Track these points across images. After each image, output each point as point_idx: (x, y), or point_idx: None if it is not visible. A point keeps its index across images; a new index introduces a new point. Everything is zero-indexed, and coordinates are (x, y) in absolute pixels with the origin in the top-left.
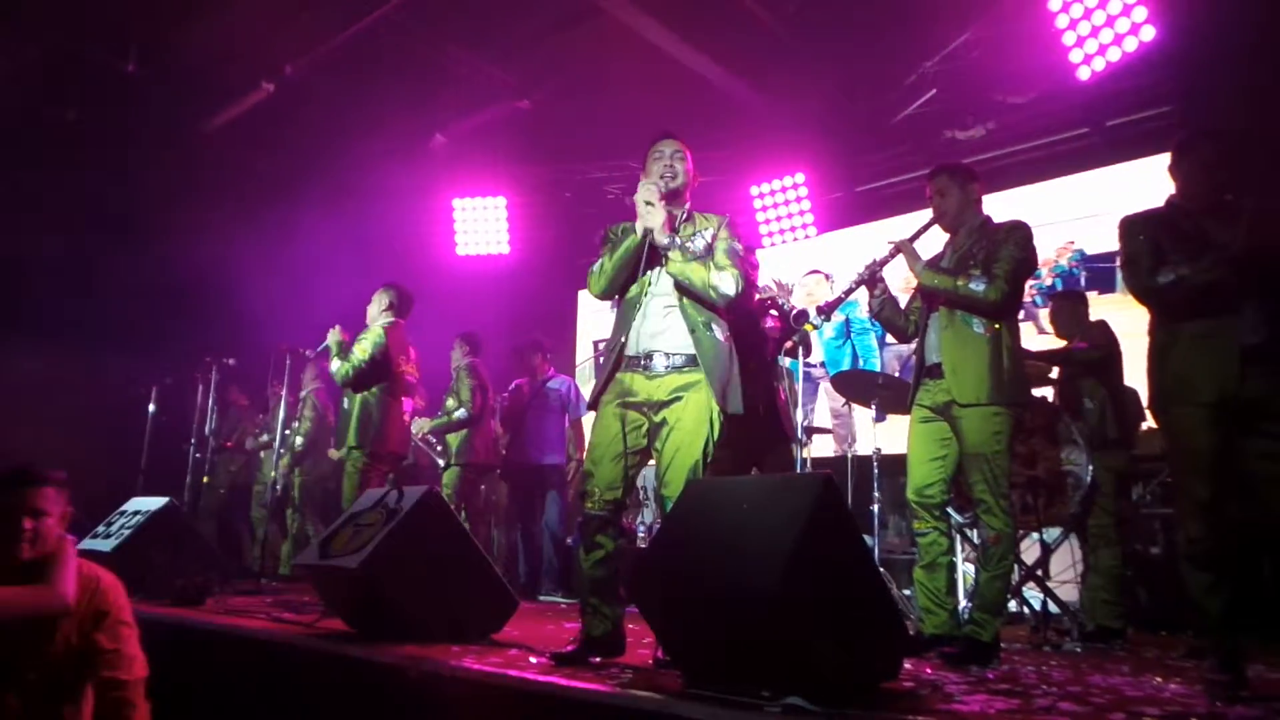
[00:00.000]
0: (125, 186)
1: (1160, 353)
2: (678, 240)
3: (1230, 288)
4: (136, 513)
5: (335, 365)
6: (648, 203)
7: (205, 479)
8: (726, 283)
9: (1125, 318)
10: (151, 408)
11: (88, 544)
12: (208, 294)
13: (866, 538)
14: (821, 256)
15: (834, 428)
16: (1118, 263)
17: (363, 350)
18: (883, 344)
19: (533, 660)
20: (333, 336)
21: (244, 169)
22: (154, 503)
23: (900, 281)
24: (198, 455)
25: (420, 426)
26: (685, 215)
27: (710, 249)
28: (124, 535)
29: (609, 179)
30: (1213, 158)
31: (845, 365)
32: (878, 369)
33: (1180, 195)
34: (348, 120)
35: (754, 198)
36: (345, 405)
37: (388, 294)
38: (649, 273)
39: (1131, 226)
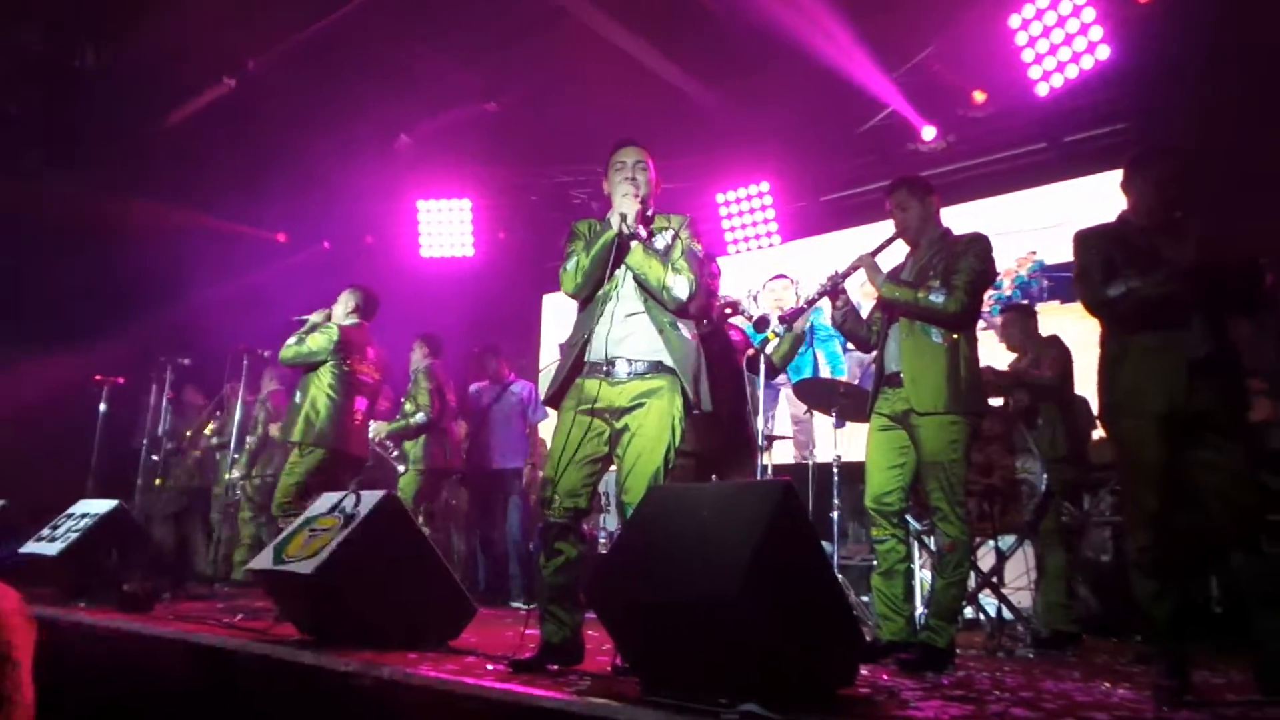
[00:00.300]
0: (77, 183)
1: (1110, 365)
2: (643, 233)
3: (1180, 302)
4: (84, 515)
5: (291, 340)
6: (625, 195)
7: (158, 481)
8: (681, 286)
9: (1085, 328)
10: (102, 407)
11: (32, 547)
12: (163, 292)
13: (826, 545)
14: (785, 265)
15: (794, 434)
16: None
17: (315, 342)
18: (844, 350)
19: (490, 667)
20: (316, 317)
21: (203, 166)
22: (103, 505)
23: (864, 287)
24: (152, 457)
25: (377, 430)
26: (648, 216)
27: (669, 250)
28: (70, 539)
29: (575, 184)
30: (1165, 174)
31: (807, 372)
32: (845, 375)
33: (1132, 211)
34: (311, 118)
35: (719, 205)
36: (296, 399)
37: (354, 296)
38: (616, 274)
39: (1085, 240)
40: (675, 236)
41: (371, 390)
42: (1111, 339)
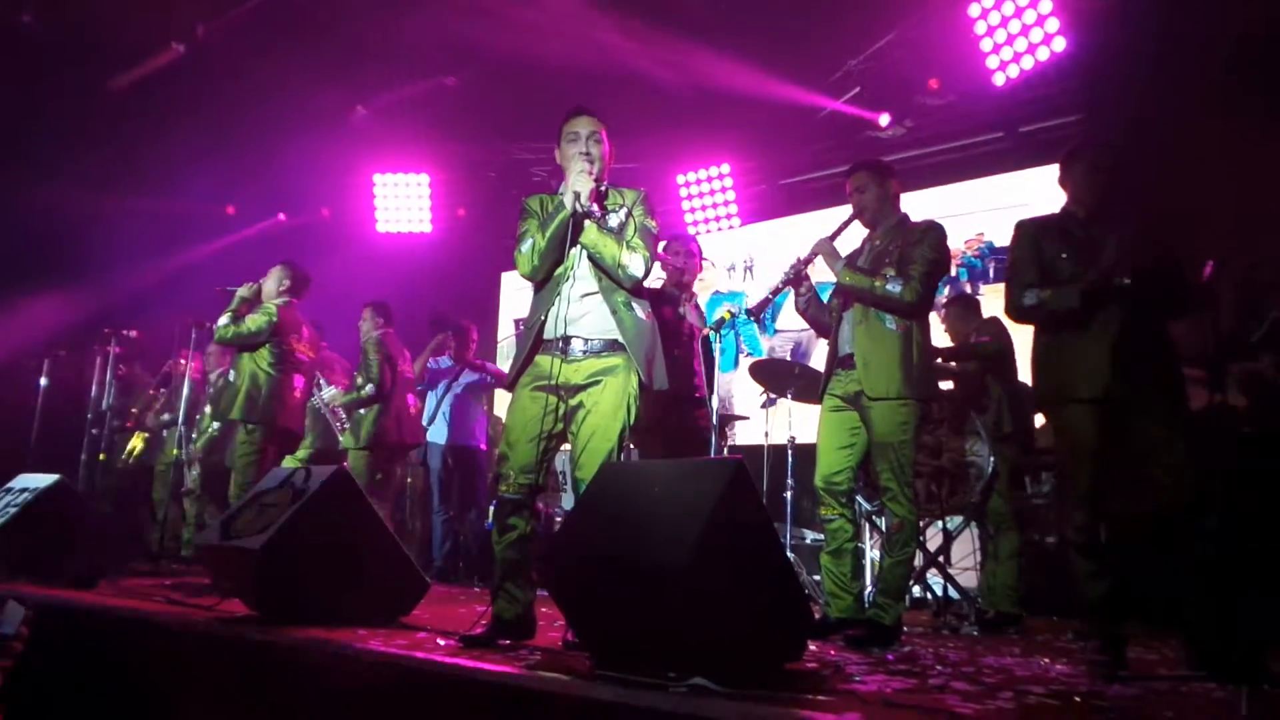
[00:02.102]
0: (15, 144)
1: (1044, 353)
2: (597, 211)
3: (1082, 314)
4: (24, 490)
5: (224, 320)
6: (579, 172)
7: (101, 457)
8: (636, 264)
9: None
10: (43, 381)
11: None
12: (106, 262)
13: (778, 524)
14: (745, 247)
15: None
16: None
17: (255, 322)
18: (763, 329)
19: (441, 643)
20: (244, 290)
21: (150, 134)
22: (43, 480)
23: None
24: (94, 431)
25: (332, 396)
26: (603, 191)
27: (624, 227)
28: (9, 514)
29: (535, 160)
30: (1101, 162)
31: (730, 354)
32: (762, 356)
33: (1071, 202)
34: (264, 86)
35: (679, 186)
36: (232, 378)
37: (286, 273)
38: (571, 253)
39: (1022, 233)
40: (629, 213)
41: (308, 369)
42: (1043, 329)
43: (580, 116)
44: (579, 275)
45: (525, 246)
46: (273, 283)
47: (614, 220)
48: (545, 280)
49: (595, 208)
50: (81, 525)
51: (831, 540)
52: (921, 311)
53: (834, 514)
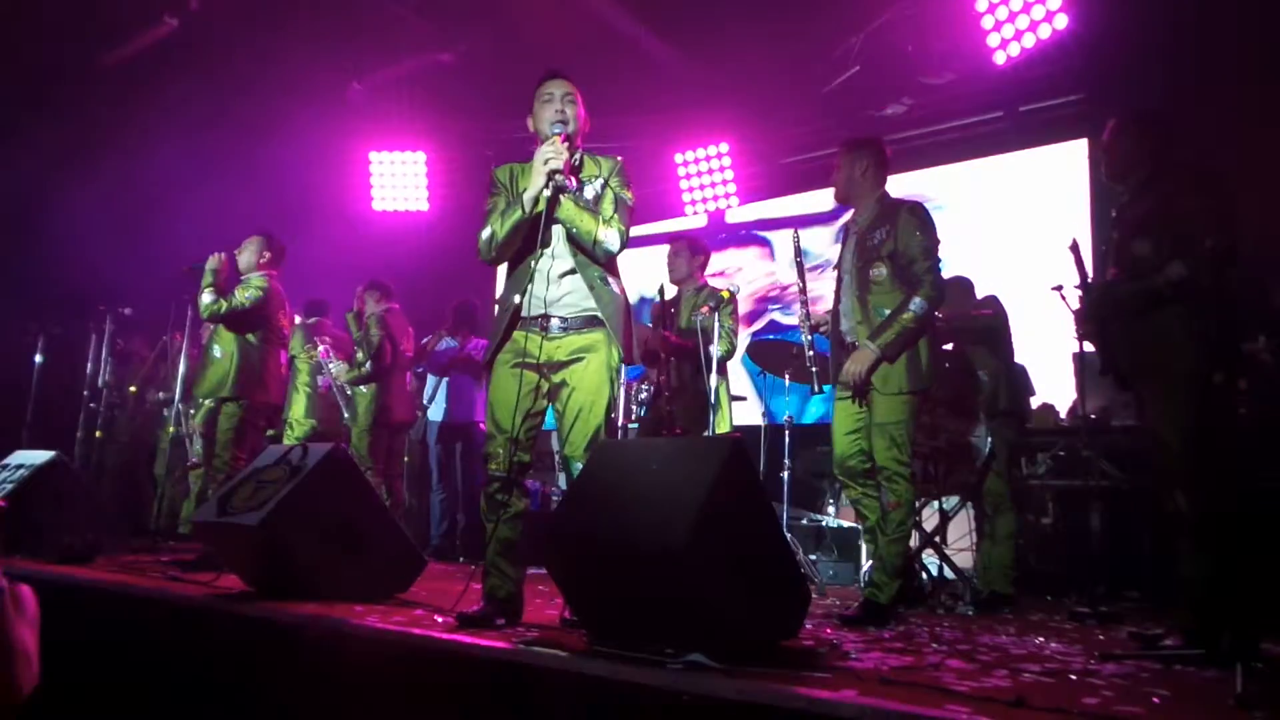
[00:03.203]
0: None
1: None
2: (572, 184)
3: None
4: (20, 466)
5: (208, 298)
6: (552, 151)
7: (98, 433)
8: (612, 239)
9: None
10: (38, 357)
11: None
12: (104, 238)
13: (776, 505)
14: (742, 225)
15: None
16: None
17: (244, 295)
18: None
19: (438, 620)
20: (213, 262)
21: (143, 108)
22: (39, 456)
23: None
24: (91, 406)
25: (339, 371)
26: (578, 162)
27: (600, 199)
28: (6, 490)
29: (532, 139)
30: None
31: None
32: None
33: (1111, 172)
34: (258, 61)
35: (678, 165)
36: (216, 353)
37: (263, 243)
38: (551, 231)
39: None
40: (605, 184)
41: (287, 342)
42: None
43: (554, 79)
44: (557, 253)
45: (484, 235)
46: (251, 254)
47: (590, 191)
48: (519, 258)
49: (571, 181)
50: (78, 501)
51: (866, 520)
52: (941, 300)
53: (857, 493)
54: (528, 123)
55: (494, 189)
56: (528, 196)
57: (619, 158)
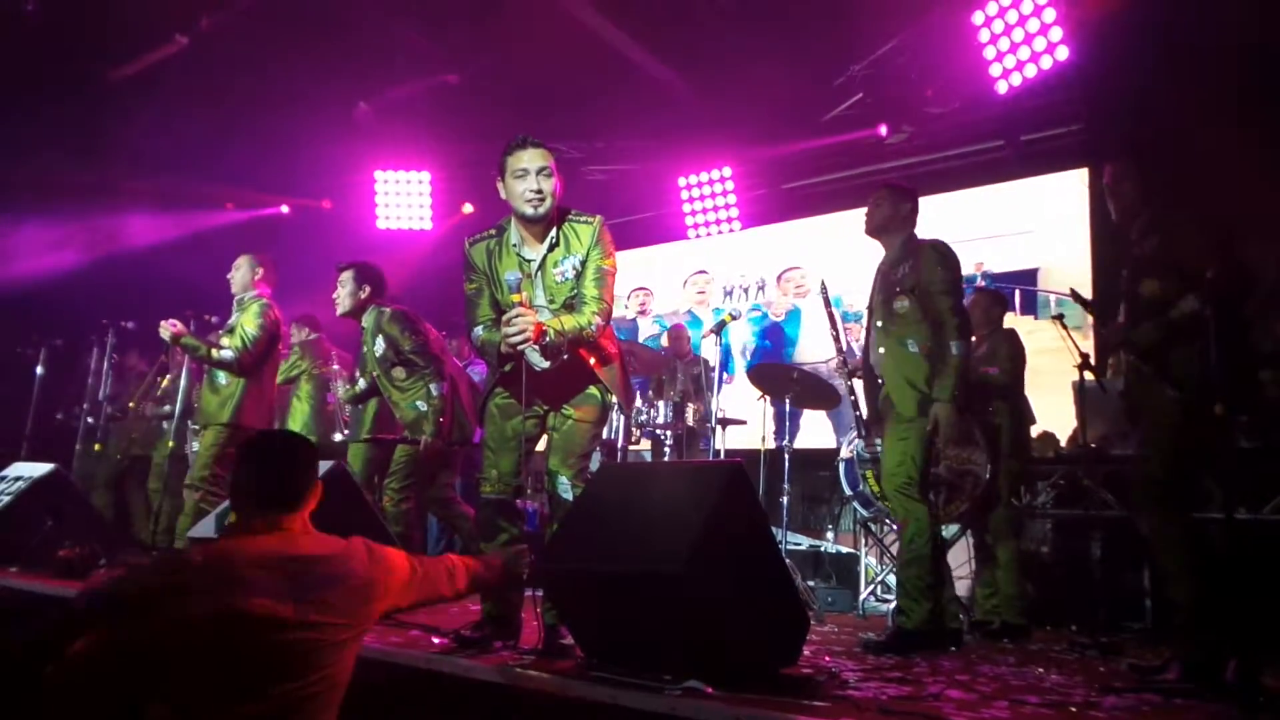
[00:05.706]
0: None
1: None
2: (549, 335)
3: None
4: (18, 479)
5: (226, 355)
6: (518, 324)
7: (97, 447)
8: (596, 323)
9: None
10: (39, 370)
11: None
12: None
13: (775, 529)
14: (745, 250)
15: None
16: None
17: (252, 325)
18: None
19: (435, 640)
20: (166, 332)
21: (150, 126)
22: (38, 469)
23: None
24: (89, 421)
25: (346, 395)
26: (555, 239)
27: (580, 276)
28: (3, 501)
29: (504, 206)
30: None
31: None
32: (733, 374)
33: (1119, 216)
34: (267, 80)
35: (681, 188)
36: (222, 380)
37: (255, 260)
38: (534, 293)
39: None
40: (584, 260)
41: (278, 364)
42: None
43: (527, 149)
44: (540, 305)
45: (476, 335)
46: (245, 273)
47: (569, 268)
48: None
49: (537, 349)
50: (75, 515)
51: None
52: (970, 332)
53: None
54: (499, 188)
55: (470, 274)
56: (503, 350)
57: (599, 217)
